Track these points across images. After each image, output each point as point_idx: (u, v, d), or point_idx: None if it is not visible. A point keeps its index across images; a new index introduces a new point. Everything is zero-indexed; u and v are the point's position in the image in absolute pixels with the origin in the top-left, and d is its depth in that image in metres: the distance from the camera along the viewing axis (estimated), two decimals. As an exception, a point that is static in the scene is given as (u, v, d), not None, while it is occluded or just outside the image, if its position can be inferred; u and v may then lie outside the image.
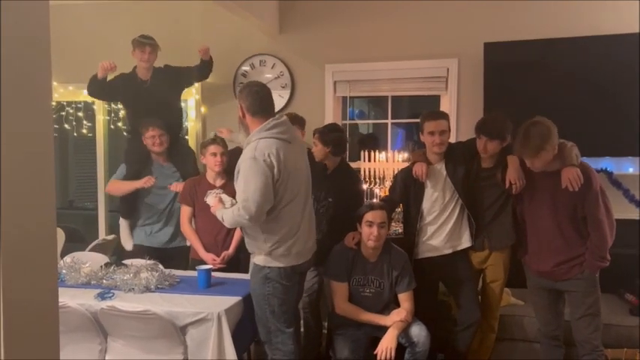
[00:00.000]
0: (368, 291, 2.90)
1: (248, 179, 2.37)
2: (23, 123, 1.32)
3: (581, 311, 2.74)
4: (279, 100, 4.10)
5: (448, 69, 3.89)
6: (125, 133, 4.07)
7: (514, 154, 2.77)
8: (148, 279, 2.76)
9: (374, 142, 4.48)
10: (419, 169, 2.96)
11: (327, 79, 4.07)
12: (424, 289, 2.98)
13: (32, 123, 1.36)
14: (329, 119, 4.07)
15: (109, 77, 3.61)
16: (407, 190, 3.07)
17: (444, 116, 3.01)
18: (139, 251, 3.45)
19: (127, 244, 3.59)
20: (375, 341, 2.78)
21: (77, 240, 4.80)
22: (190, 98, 4.29)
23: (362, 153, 3.91)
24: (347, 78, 4.06)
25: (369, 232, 2.81)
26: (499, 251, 3.04)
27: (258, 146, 2.43)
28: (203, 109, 4.29)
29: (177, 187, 3.44)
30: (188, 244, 3.57)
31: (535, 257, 2.85)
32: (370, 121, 5.00)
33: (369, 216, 2.83)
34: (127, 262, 3.16)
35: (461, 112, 3.88)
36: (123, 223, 3.65)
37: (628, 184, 3.57)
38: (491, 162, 2.99)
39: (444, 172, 3.01)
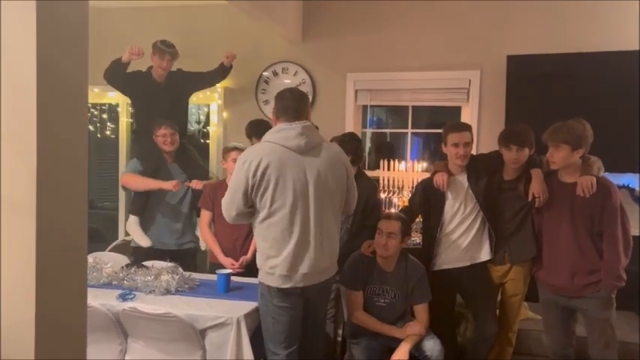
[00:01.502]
0: (383, 301, 2.89)
1: (232, 179, 2.46)
2: (60, 125, 1.35)
3: (596, 330, 2.71)
4: (300, 107, 4.12)
5: (470, 80, 3.88)
6: (132, 132, 4.11)
7: (543, 138, 2.73)
8: (169, 282, 2.79)
9: (391, 150, 4.49)
10: (440, 178, 2.96)
11: (348, 87, 4.09)
12: (441, 301, 2.97)
13: (69, 126, 1.39)
14: (349, 127, 4.09)
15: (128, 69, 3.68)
16: (427, 201, 3.06)
17: (468, 128, 3.01)
18: (150, 252, 3.49)
19: (143, 240, 3.58)
20: (390, 352, 2.77)
21: (97, 240, 4.86)
22: (213, 103, 4.34)
23: (381, 162, 3.92)
24: (368, 87, 4.08)
25: (379, 240, 2.82)
26: (519, 265, 3.02)
27: (253, 149, 2.48)
28: (225, 114, 4.34)
29: (197, 184, 3.47)
30: (199, 245, 3.61)
31: (550, 271, 2.82)
32: (390, 130, 5.00)
33: (381, 224, 2.84)
34: (147, 263, 3.20)
35: (482, 124, 3.88)
36: (133, 220, 3.63)
37: (651, 200, 3.53)
38: (515, 174, 2.98)
39: (466, 184, 3.00)
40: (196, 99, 4.34)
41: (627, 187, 3.54)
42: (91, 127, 4.61)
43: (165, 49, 3.62)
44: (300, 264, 2.34)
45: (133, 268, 2.99)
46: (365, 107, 4.21)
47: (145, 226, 3.58)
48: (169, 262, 3.11)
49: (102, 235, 5.01)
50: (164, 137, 3.51)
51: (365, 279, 2.88)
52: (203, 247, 3.62)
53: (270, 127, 3.77)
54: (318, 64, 4.14)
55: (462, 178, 3.02)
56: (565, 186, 2.74)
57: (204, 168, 3.80)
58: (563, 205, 2.73)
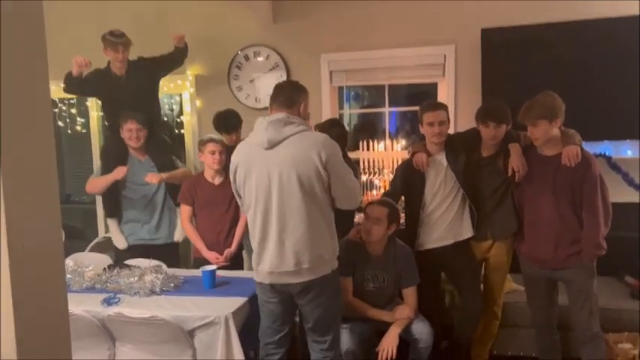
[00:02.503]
0: (372, 286, 2.91)
1: None
2: (24, 122, 1.28)
3: (579, 300, 2.76)
4: (275, 91, 4.05)
5: (445, 55, 3.85)
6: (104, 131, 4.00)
7: (519, 119, 2.74)
8: (153, 282, 2.76)
9: (372, 129, 4.47)
10: (419, 159, 2.96)
11: (322, 69, 4.02)
12: (426, 281, 2.99)
13: (33, 121, 1.32)
14: (326, 109, 4.04)
15: (85, 73, 3.55)
16: (408, 182, 3.06)
17: (443, 107, 3.00)
18: (130, 250, 3.45)
19: (120, 242, 3.55)
20: (380, 335, 2.81)
21: (76, 237, 4.78)
22: (185, 92, 4.24)
23: (361, 143, 3.89)
24: (343, 67, 4.02)
25: (363, 226, 2.83)
26: (502, 240, 3.05)
27: (236, 149, 2.46)
28: (198, 103, 4.24)
29: (152, 178, 3.39)
30: (176, 239, 3.56)
31: (533, 245, 2.86)
32: (368, 110, 4.96)
33: (368, 209, 2.86)
34: (130, 262, 3.16)
35: (459, 99, 3.86)
36: (111, 223, 3.59)
37: (627, 167, 3.58)
38: (493, 150, 2.99)
39: (445, 163, 3.00)
40: (167, 88, 4.24)
41: (603, 156, 3.58)
42: (60, 123, 4.47)
43: (115, 40, 3.47)
44: (261, 262, 2.34)
45: (116, 270, 2.94)
46: (341, 89, 4.15)
47: (121, 225, 3.53)
48: (152, 260, 3.08)
49: (81, 232, 4.93)
50: (130, 132, 3.42)
51: (354, 264, 2.89)
52: (176, 238, 3.57)
53: (237, 118, 3.74)
54: (291, 46, 4.05)
55: (441, 158, 3.02)
56: (545, 159, 2.76)
57: (170, 157, 3.67)
58: (544, 178, 2.76)
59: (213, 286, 2.78)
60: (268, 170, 2.26)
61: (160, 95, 4.15)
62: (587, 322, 2.75)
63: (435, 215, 3.03)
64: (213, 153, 3.22)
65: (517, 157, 2.84)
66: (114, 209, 3.53)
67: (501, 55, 3.63)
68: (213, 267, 2.84)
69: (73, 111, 4.45)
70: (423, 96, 4.17)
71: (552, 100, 2.72)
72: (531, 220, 2.86)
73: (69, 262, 3.07)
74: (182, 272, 3.05)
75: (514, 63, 3.61)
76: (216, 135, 3.33)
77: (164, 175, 3.44)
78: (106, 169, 3.47)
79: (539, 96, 2.73)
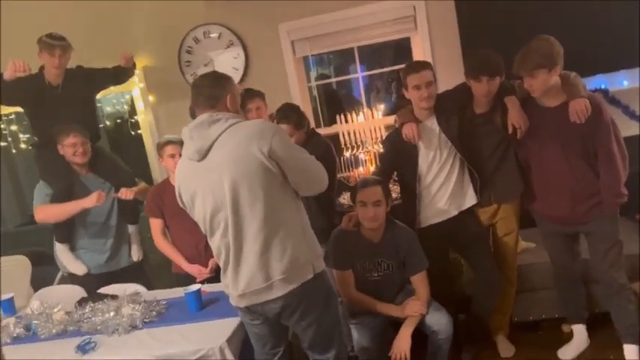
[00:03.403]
0: (376, 274, 2.62)
1: None
2: None
3: (603, 252, 2.56)
4: (234, 73, 3.66)
5: (415, 6, 3.48)
6: (30, 147, 3.40)
7: (514, 71, 2.44)
8: (132, 315, 2.41)
9: (344, 99, 4.11)
10: (409, 130, 2.63)
11: (282, 40, 3.62)
12: (434, 258, 2.70)
13: None
14: (293, 84, 3.68)
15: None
16: (398, 156, 2.75)
17: (427, 66, 2.65)
18: (93, 279, 3.08)
19: (77, 268, 3.13)
20: (396, 326, 2.54)
21: (46, 263, 4.36)
22: (134, 88, 3.80)
23: (338, 117, 3.55)
24: (305, 35, 3.63)
25: (364, 213, 2.51)
26: (508, 203, 2.78)
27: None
28: (151, 98, 3.81)
29: (125, 193, 3.00)
30: (135, 259, 3.20)
31: (546, 203, 2.63)
32: (338, 79, 4.59)
33: (361, 195, 2.52)
34: (105, 289, 2.81)
35: (436, 53, 3.52)
36: (61, 248, 3.16)
37: (626, 99, 3.31)
38: (487, 106, 2.68)
39: (437, 128, 2.69)
40: (114, 87, 3.78)
41: (600, 90, 3.31)
42: (2, 143, 4.00)
43: (53, 42, 2.98)
44: (230, 285, 2.03)
45: (89, 305, 2.58)
46: (307, 59, 3.77)
47: (75, 252, 3.13)
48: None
49: (49, 256, 4.50)
50: (74, 147, 2.96)
51: (353, 256, 2.59)
52: (135, 257, 3.20)
53: None
54: (244, 20, 3.63)
55: (432, 123, 2.70)
56: (548, 111, 2.49)
57: (129, 171, 3.27)
58: (550, 132, 2.49)
59: (201, 307, 2.45)
60: (211, 185, 1.91)
61: (105, 95, 3.72)
62: (613, 274, 2.55)
63: (433, 187, 2.74)
64: (173, 156, 2.84)
65: (516, 111, 2.54)
66: (66, 235, 3.12)
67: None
68: (196, 287, 2.50)
69: (14, 128, 3.98)
70: (396, 54, 3.81)
71: (549, 45, 2.41)
72: (541, 178, 2.61)
73: (34, 303, 2.70)
74: (164, 294, 2.72)
75: (494, 3, 3.26)
76: (173, 135, 2.94)
77: (135, 188, 3.06)
78: (60, 192, 3.05)
79: (534, 42, 2.43)
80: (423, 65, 2.65)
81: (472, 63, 2.61)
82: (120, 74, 3.29)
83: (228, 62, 3.64)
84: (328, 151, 2.93)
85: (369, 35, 3.62)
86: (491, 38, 3.17)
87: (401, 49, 3.77)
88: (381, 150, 2.89)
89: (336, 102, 4.14)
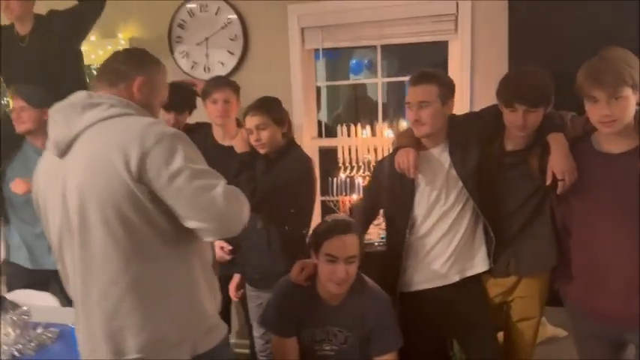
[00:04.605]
0: (329, 348, 1.92)
1: None
2: None
3: None
4: (229, 57, 3.05)
5: (457, 2, 2.74)
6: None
7: (581, 89, 1.67)
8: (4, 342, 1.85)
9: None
10: (404, 159, 1.93)
11: (291, 24, 2.97)
12: (415, 338, 1.97)
13: None
14: (296, 83, 3.01)
15: None
16: (390, 190, 2.04)
17: (430, 79, 1.94)
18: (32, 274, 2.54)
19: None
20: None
21: None
22: (118, 61, 3.26)
23: (339, 127, 2.87)
24: (318, 23, 2.95)
25: (332, 272, 1.80)
26: (532, 277, 2.02)
27: None
28: (135, 75, 3.26)
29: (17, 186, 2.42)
30: None
31: (589, 290, 1.85)
32: (353, 82, 3.89)
33: (330, 246, 1.80)
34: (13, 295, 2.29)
35: (477, 64, 2.76)
36: None
37: None
38: (523, 142, 1.96)
39: (447, 161, 1.97)
40: (95, 56, 3.27)
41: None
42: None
43: None
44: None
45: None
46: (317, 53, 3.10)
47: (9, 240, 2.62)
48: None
49: None
50: (16, 112, 2.47)
51: (300, 319, 1.90)
52: None
53: (189, 92, 2.78)
54: (249, -5, 3.01)
55: (440, 153, 1.99)
56: (608, 159, 1.74)
57: None
58: (606, 189, 1.74)
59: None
60: (62, 197, 1.31)
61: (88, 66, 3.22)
62: None
63: (430, 239, 2.01)
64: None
65: (561, 155, 1.80)
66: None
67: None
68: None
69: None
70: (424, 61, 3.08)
71: (630, 55, 1.66)
72: (584, 252, 1.84)
73: None
74: (59, 314, 2.11)
75: (557, 9, 2.48)
76: None
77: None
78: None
79: (607, 51, 1.68)
80: (424, 78, 1.94)
81: (506, 85, 1.88)
82: (92, 2, 2.70)
83: (224, 44, 3.04)
84: (306, 170, 2.26)
85: (396, 32, 2.90)
86: (551, 50, 2.41)
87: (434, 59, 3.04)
88: (370, 178, 2.17)
89: (367, 110, 3.44)
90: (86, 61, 3.27)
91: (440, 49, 2.97)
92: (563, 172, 1.79)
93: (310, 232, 1.90)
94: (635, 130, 1.69)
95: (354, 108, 3.91)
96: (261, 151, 2.21)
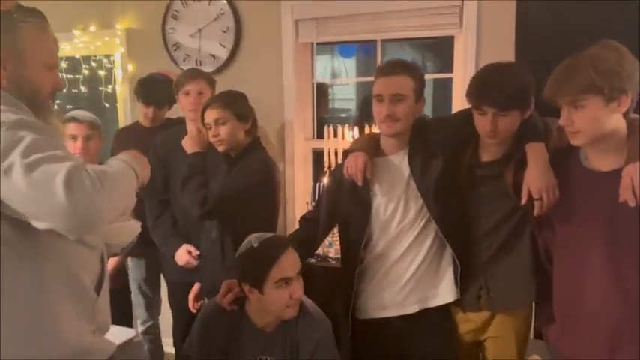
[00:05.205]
0: (257, 379, 1.69)
1: None
2: None
3: None
4: (220, 50, 2.89)
5: (463, -6, 2.42)
6: None
7: (544, 94, 1.41)
8: None
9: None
10: (352, 163, 1.67)
11: (283, 17, 2.76)
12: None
13: None
14: (288, 78, 2.80)
15: None
16: (345, 201, 1.78)
17: (406, 69, 1.66)
18: None
19: None
20: None
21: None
22: (115, 52, 3.19)
23: (326, 128, 2.63)
24: (313, 15, 2.72)
25: (287, 295, 1.56)
26: (508, 314, 1.70)
27: None
28: (131, 67, 3.17)
29: None
30: None
31: (569, 334, 1.54)
32: (352, 79, 3.62)
33: (280, 270, 1.54)
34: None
35: (482, 61, 2.42)
36: None
37: None
38: (499, 152, 1.64)
39: (406, 171, 1.68)
40: (94, 47, 3.22)
41: None
42: None
43: None
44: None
45: None
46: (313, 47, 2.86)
47: None
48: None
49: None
50: None
51: (228, 346, 1.68)
52: None
53: (169, 85, 2.64)
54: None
55: (401, 161, 1.71)
56: (595, 177, 1.44)
57: None
58: (593, 213, 1.44)
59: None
60: None
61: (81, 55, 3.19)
62: None
63: (387, 260, 1.75)
64: (74, 138, 2.18)
65: (538, 170, 1.50)
66: None
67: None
68: None
69: None
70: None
71: (616, 58, 1.36)
72: (567, 290, 1.53)
73: None
74: None
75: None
76: (82, 113, 2.25)
77: None
78: None
79: (592, 49, 1.38)
80: (397, 68, 1.66)
81: (474, 84, 1.58)
82: None
83: (216, 36, 2.88)
84: (267, 174, 2.05)
85: (397, 26, 2.62)
86: (560, 46, 2.05)
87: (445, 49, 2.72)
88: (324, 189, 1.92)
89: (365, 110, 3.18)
90: (85, 52, 3.28)
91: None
92: (540, 190, 1.47)
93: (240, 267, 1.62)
94: (623, 143, 1.36)
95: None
96: (220, 149, 2.02)
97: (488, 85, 1.53)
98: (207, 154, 2.05)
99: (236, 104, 2.04)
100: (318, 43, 2.82)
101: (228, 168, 2.05)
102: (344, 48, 3.82)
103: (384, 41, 2.78)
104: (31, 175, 1.03)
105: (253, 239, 1.56)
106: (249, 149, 2.06)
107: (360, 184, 1.65)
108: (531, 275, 1.65)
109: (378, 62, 2.78)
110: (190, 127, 2.35)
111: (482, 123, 1.55)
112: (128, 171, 1.20)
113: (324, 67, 3.35)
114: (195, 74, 2.32)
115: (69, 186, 1.02)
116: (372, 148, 1.70)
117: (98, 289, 1.28)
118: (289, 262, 1.56)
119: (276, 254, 1.52)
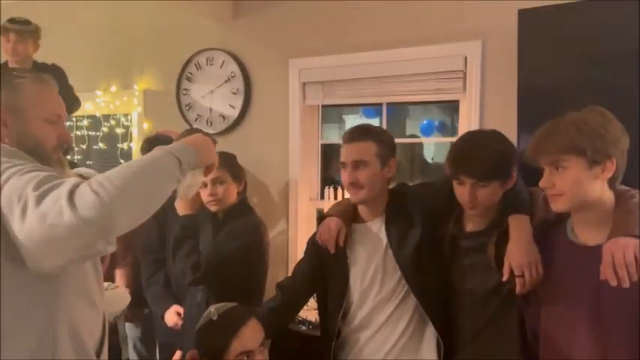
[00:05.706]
0: None
1: None
2: None
3: None
4: (230, 110, 2.95)
5: (466, 57, 2.40)
6: None
7: (528, 156, 1.36)
8: None
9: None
10: (324, 229, 1.61)
11: (292, 79, 2.81)
12: None
13: None
14: (294, 138, 2.81)
15: None
16: (322, 269, 1.71)
17: (366, 135, 1.63)
18: None
19: None
20: None
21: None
22: (133, 111, 3.31)
23: (327, 190, 2.60)
24: (319, 78, 2.76)
25: None
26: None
27: None
28: (147, 125, 3.28)
29: None
30: None
31: None
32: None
33: (241, 342, 1.43)
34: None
35: (487, 124, 2.36)
36: None
37: None
38: (482, 222, 1.55)
39: (384, 238, 1.61)
40: (114, 107, 3.36)
41: None
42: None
43: (9, 26, 2.58)
44: None
45: None
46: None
47: None
48: None
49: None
50: None
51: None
52: None
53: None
54: (253, 49, 2.91)
55: (379, 228, 1.64)
56: (581, 252, 1.34)
57: None
58: (579, 290, 1.34)
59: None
60: None
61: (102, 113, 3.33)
62: None
63: (365, 333, 1.65)
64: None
65: (520, 244, 1.41)
66: None
67: (545, 45, 2.10)
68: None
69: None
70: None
71: (601, 122, 1.30)
72: None
73: None
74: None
75: (572, 58, 2.05)
76: (85, 170, 2.31)
77: None
78: None
79: (577, 113, 1.33)
80: (361, 133, 1.63)
81: (452, 152, 1.52)
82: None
83: (226, 98, 2.95)
84: (257, 236, 2.01)
85: (401, 90, 2.61)
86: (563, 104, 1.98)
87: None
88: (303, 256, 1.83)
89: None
90: (106, 111, 3.41)
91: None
92: (522, 267, 1.37)
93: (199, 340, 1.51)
94: (606, 214, 1.26)
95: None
96: (213, 209, 2.01)
97: (467, 154, 1.46)
98: (197, 216, 2.03)
99: (232, 165, 2.05)
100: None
101: (216, 229, 2.03)
102: (367, 110, 3.85)
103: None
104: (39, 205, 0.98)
105: (213, 311, 1.49)
106: (238, 210, 2.04)
107: (332, 251, 1.58)
108: (518, 356, 1.51)
109: (384, 124, 2.77)
110: None
111: (461, 192, 1.47)
112: (160, 159, 1.12)
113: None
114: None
115: (71, 200, 0.96)
116: (349, 212, 1.64)
117: (99, 354, 1.23)
118: (250, 335, 1.46)
119: (237, 326, 1.44)
